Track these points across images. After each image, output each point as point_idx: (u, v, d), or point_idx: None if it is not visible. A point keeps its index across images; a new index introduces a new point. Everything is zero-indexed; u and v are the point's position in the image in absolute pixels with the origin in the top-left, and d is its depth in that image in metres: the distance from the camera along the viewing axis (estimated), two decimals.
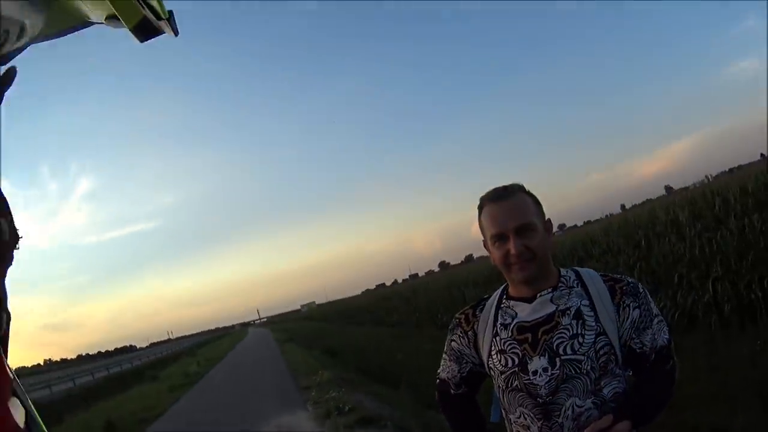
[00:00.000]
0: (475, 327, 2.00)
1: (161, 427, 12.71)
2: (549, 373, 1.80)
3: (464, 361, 2.06)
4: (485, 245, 1.96)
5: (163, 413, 14.64)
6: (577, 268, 1.99)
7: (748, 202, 10.84)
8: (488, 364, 1.96)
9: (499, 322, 1.92)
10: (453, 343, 2.08)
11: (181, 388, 20.01)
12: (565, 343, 1.80)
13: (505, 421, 1.98)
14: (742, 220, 10.04)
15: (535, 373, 1.82)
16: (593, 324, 1.82)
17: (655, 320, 1.89)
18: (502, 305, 1.95)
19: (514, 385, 1.86)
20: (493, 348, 1.92)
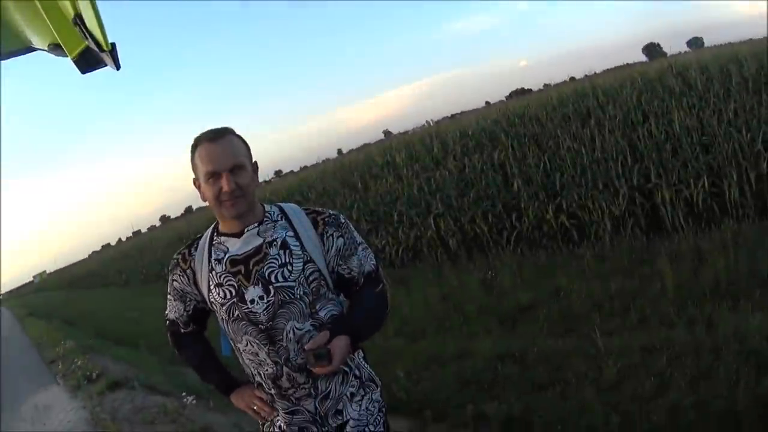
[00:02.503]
0: (192, 265, 2.06)
1: None
2: (265, 301, 1.90)
3: (188, 299, 2.13)
4: (196, 184, 2.00)
5: None
6: (280, 203, 2.09)
7: (468, 143, 11.60)
8: (209, 299, 2.02)
9: (213, 258, 1.99)
10: (174, 283, 2.13)
11: None
12: (276, 271, 1.91)
13: (235, 351, 2.07)
14: (462, 161, 10.69)
15: (252, 301, 1.91)
16: (300, 253, 1.94)
17: (360, 247, 2.06)
18: (214, 242, 2.02)
19: (236, 315, 1.94)
20: (210, 282, 1.98)
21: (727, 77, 9.17)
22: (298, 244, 1.95)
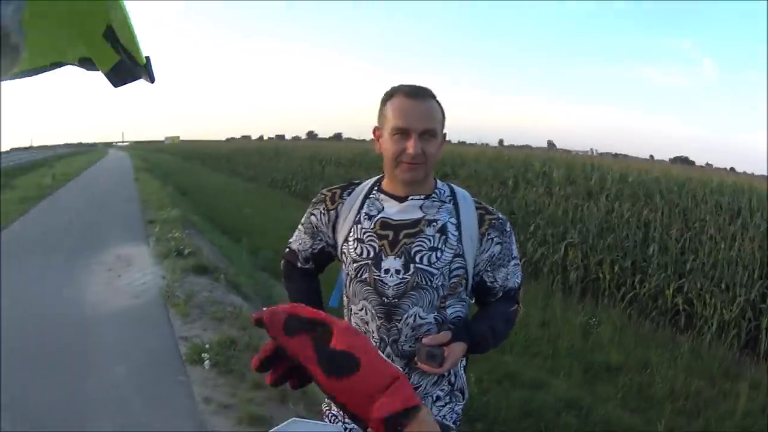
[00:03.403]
0: (339, 208, 1.97)
1: (6, 237, 11.78)
2: (400, 276, 1.82)
3: (319, 238, 2.05)
4: (376, 133, 1.92)
5: (8, 225, 13.54)
6: (453, 185, 2.00)
7: (623, 189, 11.51)
8: (342, 249, 1.96)
9: (364, 211, 1.92)
10: (312, 217, 2.04)
11: (32, 200, 18.73)
12: (424, 252, 1.82)
13: (345, 309, 2.02)
14: (612, 203, 10.72)
15: (387, 271, 1.84)
16: (455, 244, 1.84)
17: (512, 261, 1.95)
18: (372, 195, 1.94)
19: (364, 277, 1.87)
20: (351, 234, 1.92)
21: None
22: (456, 234, 1.85)
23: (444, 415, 1.95)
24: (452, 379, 1.97)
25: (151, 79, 1.18)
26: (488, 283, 1.94)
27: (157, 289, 7.23)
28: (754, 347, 7.06)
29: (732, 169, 17.74)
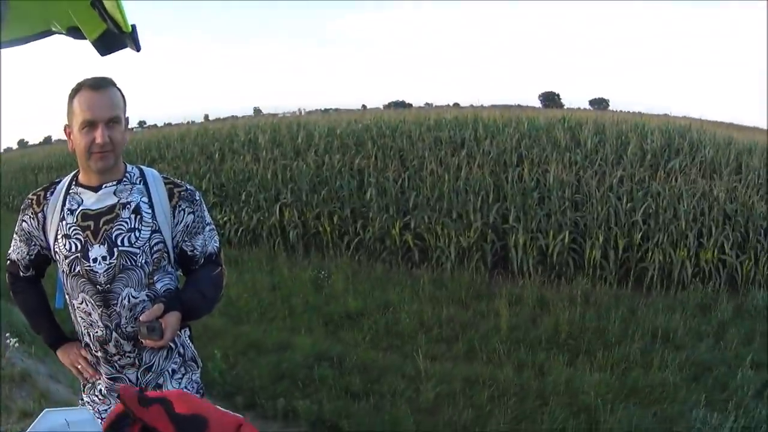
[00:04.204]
0: (45, 209, 1.98)
1: None
2: (107, 262, 1.87)
3: (33, 243, 2.05)
4: (66, 131, 1.94)
5: None
6: (142, 166, 2.05)
7: (333, 142, 11.45)
8: (54, 248, 1.97)
9: (66, 207, 1.94)
10: (24, 224, 2.04)
11: None
12: (123, 235, 1.88)
13: (69, 307, 2.02)
14: (322, 158, 10.56)
15: (95, 260, 1.87)
16: (150, 221, 1.92)
17: (207, 228, 2.06)
18: (71, 191, 1.96)
19: (77, 270, 1.90)
20: (59, 232, 1.93)
21: (624, 145, 9.35)
22: (150, 212, 1.93)
23: (185, 386, 2.05)
24: (181, 350, 2.07)
25: (137, 48, 1.31)
26: (189, 252, 2.02)
27: None
28: (505, 266, 7.31)
29: (456, 104, 18.65)
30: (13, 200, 19.75)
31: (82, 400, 2.13)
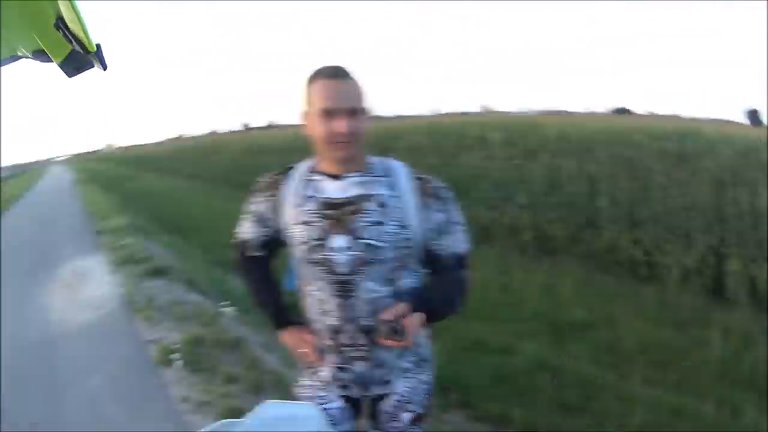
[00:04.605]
0: (280, 193, 1.99)
1: None
2: (349, 253, 1.84)
3: (265, 225, 2.07)
4: (305, 117, 1.92)
5: None
6: (388, 158, 2.01)
7: (565, 147, 11.41)
8: (289, 233, 1.96)
9: (304, 193, 1.93)
10: (256, 205, 2.07)
11: None
12: (368, 227, 1.84)
13: (301, 292, 2.04)
14: (555, 160, 10.68)
15: (335, 249, 1.85)
16: (397, 216, 1.86)
17: (457, 227, 1.96)
18: (310, 177, 1.95)
19: (315, 258, 1.89)
20: (296, 218, 1.93)
21: None
22: (397, 206, 1.86)
23: (414, 386, 2.01)
24: (417, 349, 2.03)
25: (103, 66, 1.19)
26: (436, 252, 1.94)
27: (117, 297, 7.18)
28: (721, 292, 7.08)
29: (676, 115, 17.94)
30: (237, 178, 20.46)
31: (300, 382, 2.14)
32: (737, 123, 19.05)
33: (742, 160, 9.31)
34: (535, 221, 9.22)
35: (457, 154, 13.06)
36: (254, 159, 23.58)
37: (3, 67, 1.27)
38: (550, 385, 4.74)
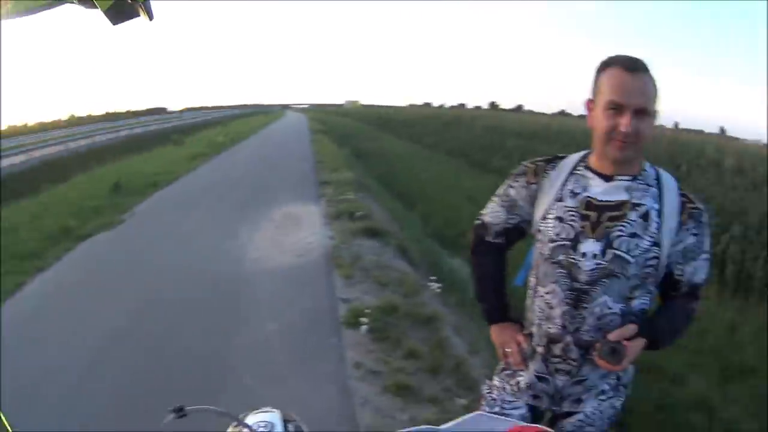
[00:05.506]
0: (541, 183, 1.87)
1: (168, 193, 12.40)
2: (597, 261, 1.73)
3: (514, 212, 1.96)
4: (589, 105, 1.80)
5: (176, 180, 14.17)
6: (660, 168, 1.85)
7: None
8: (539, 226, 1.86)
9: (567, 188, 1.81)
10: (511, 189, 1.96)
11: (202, 157, 19.06)
12: (624, 238, 1.72)
13: (529, 290, 1.94)
14: None
15: (584, 255, 1.74)
16: (654, 232, 1.73)
17: (703, 255, 1.81)
18: (578, 172, 1.83)
19: (559, 258, 1.78)
20: (551, 212, 1.82)
21: None
22: (658, 221, 1.74)
23: (603, 409, 1.88)
24: (621, 373, 1.88)
25: (150, 17, 1.13)
26: (675, 276, 1.81)
27: (323, 249, 7.19)
28: None
29: None
30: (475, 155, 20.67)
31: (491, 381, 2.05)
32: None
33: None
34: (742, 255, 8.61)
35: (689, 173, 12.51)
36: (496, 140, 23.27)
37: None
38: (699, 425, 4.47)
